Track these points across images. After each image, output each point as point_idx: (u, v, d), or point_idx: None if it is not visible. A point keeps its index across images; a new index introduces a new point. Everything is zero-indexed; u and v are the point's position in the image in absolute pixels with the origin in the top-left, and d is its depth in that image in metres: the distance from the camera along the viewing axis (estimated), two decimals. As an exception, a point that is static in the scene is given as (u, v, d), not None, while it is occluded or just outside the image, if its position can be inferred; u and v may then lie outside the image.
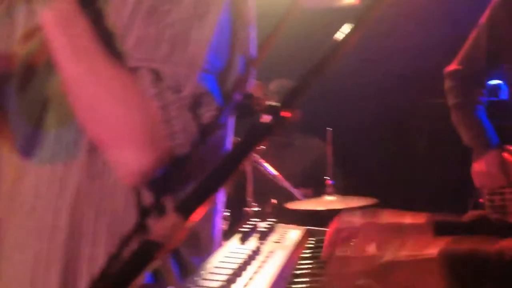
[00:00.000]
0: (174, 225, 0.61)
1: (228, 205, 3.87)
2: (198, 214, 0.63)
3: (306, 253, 1.44)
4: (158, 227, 0.61)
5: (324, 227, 1.72)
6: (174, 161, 1.27)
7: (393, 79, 5.04)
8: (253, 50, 1.45)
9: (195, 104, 1.32)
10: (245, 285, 1.11)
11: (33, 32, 1.46)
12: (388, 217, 1.33)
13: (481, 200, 3.25)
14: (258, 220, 1.56)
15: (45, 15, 1.31)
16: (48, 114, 1.41)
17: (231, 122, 1.44)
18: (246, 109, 0.70)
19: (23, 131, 1.44)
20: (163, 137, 1.29)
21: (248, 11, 1.46)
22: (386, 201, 4.01)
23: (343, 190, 4.04)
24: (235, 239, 1.41)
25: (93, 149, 1.36)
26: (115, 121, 1.29)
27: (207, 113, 1.34)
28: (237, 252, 1.29)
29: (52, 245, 1.37)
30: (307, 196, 4.09)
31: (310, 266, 1.33)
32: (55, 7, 1.31)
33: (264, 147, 3.95)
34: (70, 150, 1.38)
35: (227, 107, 0.74)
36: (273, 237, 1.48)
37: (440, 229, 1.31)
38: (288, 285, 1.21)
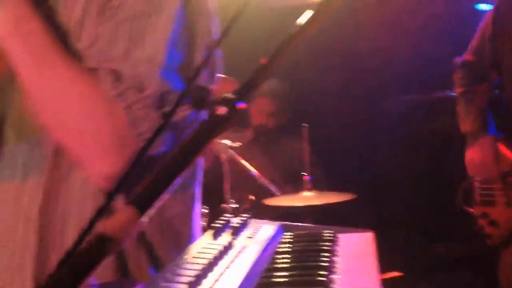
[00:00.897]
0: (128, 219, 0.61)
1: (206, 202, 3.88)
2: (151, 208, 0.62)
3: (284, 247, 1.44)
4: (112, 221, 0.60)
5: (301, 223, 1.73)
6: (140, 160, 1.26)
7: (370, 74, 5.06)
8: (214, 41, 1.43)
9: (160, 102, 1.30)
10: (216, 280, 1.10)
11: None
12: None
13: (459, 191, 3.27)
14: (231, 215, 1.55)
15: None
16: (6, 129, 1.40)
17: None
18: (201, 101, 0.69)
19: None
20: (131, 138, 1.28)
21: (207, 3, 1.44)
22: (365, 197, 4.05)
23: (321, 186, 4.05)
24: (208, 235, 1.41)
25: (57, 153, 1.35)
26: (81, 127, 1.26)
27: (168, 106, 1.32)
28: (209, 248, 1.28)
29: (24, 252, 1.36)
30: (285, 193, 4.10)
31: (288, 260, 1.33)
32: (6, 11, 1.26)
33: (240, 144, 3.96)
34: (33, 159, 1.37)
35: (182, 99, 0.73)
36: (246, 233, 1.47)
37: None
38: (266, 279, 1.20)
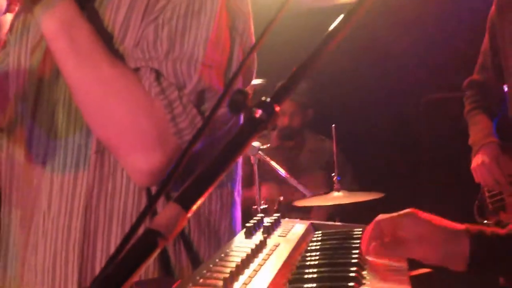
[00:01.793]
0: (175, 215, 0.65)
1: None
2: (197, 205, 0.66)
3: (314, 245, 1.47)
4: (160, 217, 0.65)
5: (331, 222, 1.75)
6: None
7: (399, 73, 5.06)
8: (252, 43, 1.47)
9: (199, 100, 1.34)
10: (251, 277, 1.14)
11: (38, 43, 1.49)
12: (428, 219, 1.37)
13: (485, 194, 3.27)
14: (263, 215, 1.59)
15: (44, 23, 1.32)
16: (58, 122, 1.44)
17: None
18: (239, 103, 0.73)
19: (37, 140, 1.47)
20: (171, 135, 1.31)
21: (246, 4, 1.47)
22: (393, 196, 4.05)
23: (350, 186, 4.07)
24: (241, 234, 1.45)
25: (102, 151, 1.39)
26: (122, 123, 1.30)
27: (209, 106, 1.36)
28: (243, 246, 1.32)
29: (69, 246, 1.40)
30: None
31: (317, 257, 1.36)
32: (54, 14, 1.31)
33: (269, 146, 3.99)
34: (80, 155, 1.41)
35: (221, 102, 0.77)
36: (278, 231, 1.51)
37: (477, 242, 1.35)
38: (298, 276, 1.23)
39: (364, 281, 1.19)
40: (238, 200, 1.61)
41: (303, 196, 3.97)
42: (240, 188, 1.62)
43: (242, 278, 1.12)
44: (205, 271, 1.14)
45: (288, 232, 1.51)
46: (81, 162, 1.41)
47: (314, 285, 1.16)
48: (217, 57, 1.37)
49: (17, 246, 1.48)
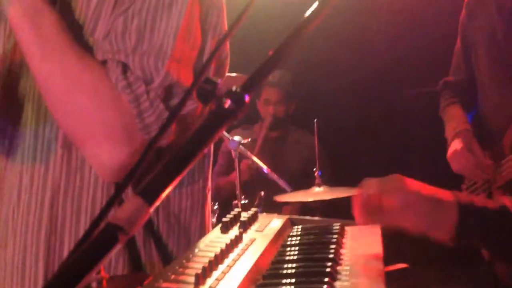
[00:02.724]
0: (137, 209, 0.63)
1: (216, 198, 3.90)
2: (160, 199, 0.64)
3: (290, 240, 1.46)
4: (121, 211, 0.62)
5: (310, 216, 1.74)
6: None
7: (383, 68, 5.06)
8: (221, 35, 1.44)
9: (167, 95, 1.32)
10: (225, 272, 1.12)
11: (10, 32, 1.46)
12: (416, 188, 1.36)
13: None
14: (240, 210, 1.57)
15: (11, 12, 1.29)
16: (27, 113, 1.41)
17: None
18: (207, 93, 0.71)
19: (4, 132, 1.44)
20: (137, 130, 1.29)
21: None
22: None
23: (330, 181, 4.06)
24: (217, 229, 1.43)
25: (69, 146, 1.36)
26: (89, 117, 1.28)
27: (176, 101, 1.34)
28: (218, 241, 1.31)
29: (39, 241, 1.38)
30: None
31: (293, 252, 1.34)
32: (20, 3, 1.28)
33: (250, 140, 3.98)
34: (51, 148, 1.39)
35: (188, 94, 0.74)
36: (255, 226, 1.49)
37: (465, 213, 1.34)
38: (274, 271, 1.22)
39: (339, 276, 1.18)
40: (208, 196, 1.59)
41: (284, 191, 3.96)
42: (210, 184, 1.60)
43: (215, 274, 1.10)
44: (177, 267, 1.12)
45: (265, 227, 1.49)
46: (52, 156, 1.38)
47: (289, 280, 1.14)
48: (187, 50, 1.35)
49: None
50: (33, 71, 1.31)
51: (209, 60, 1.22)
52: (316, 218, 1.81)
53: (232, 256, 1.22)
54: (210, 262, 1.12)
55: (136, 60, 1.30)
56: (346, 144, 5.16)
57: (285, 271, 1.21)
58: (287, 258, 1.30)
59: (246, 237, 1.37)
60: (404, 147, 5.23)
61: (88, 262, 0.59)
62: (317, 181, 3.86)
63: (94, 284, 1.09)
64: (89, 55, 1.31)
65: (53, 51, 1.28)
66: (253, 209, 1.60)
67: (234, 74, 2.40)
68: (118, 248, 0.61)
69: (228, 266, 1.15)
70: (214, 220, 3.58)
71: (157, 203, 0.65)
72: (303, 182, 4.08)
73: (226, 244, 1.24)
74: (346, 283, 1.14)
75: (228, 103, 0.70)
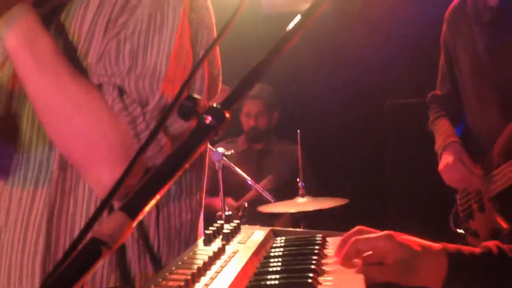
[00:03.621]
0: (121, 223, 0.64)
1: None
2: (143, 213, 0.65)
3: (273, 252, 1.47)
4: (105, 225, 0.63)
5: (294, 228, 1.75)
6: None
7: (363, 78, 5.09)
8: (216, 55, 1.45)
9: (163, 115, 1.33)
10: (208, 284, 1.13)
11: (7, 58, 1.46)
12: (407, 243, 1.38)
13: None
14: (223, 222, 1.58)
15: (6, 38, 1.30)
16: (22, 136, 1.42)
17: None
18: (188, 110, 0.72)
19: (1, 155, 1.45)
20: (134, 151, 1.30)
21: (209, 16, 1.47)
22: (358, 202, 4.07)
23: (314, 192, 4.08)
24: (200, 241, 1.44)
25: (65, 167, 1.37)
26: (89, 138, 1.29)
27: (176, 124, 1.36)
28: (201, 254, 1.31)
29: (23, 261, 1.38)
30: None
31: (276, 264, 1.35)
32: (16, 29, 1.29)
33: (233, 152, 3.99)
34: (41, 170, 1.39)
35: (172, 108, 0.76)
36: (237, 238, 1.50)
37: (454, 263, 1.37)
38: (256, 282, 1.23)
39: (321, 287, 1.19)
40: (202, 209, 1.61)
41: (268, 202, 3.97)
42: (203, 197, 1.62)
43: (198, 286, 1.11)
44: (160, 280, 1.13)
45: (248, 238, 1.50)
46: (42, 177, 1.39)
47: (271, 291, 1.16)
48: (180, 71, 1.37)
49: None
50: (30, 94, 1.32)
51: (191, 76, 1.24)
52: (299, 229, 1.83)
53: (214, 268, 1.23)
54: (192, 274, 1.13)
55: (131, 83, 1.32)
56: (329, 155, 5.18)
57: (268, 282, 1.22)
58: (269, 269, 1.31)
59: (229, 249, 1.38)
60: (386, 157, 5.26)
61: (71, 276, 0.60)
62: (300, 191, 3.88)
63: None
64: (85, 78, 1.32)
65: (50, 74, 1.29)
66: (236, 221, 1.61)
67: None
68: (100, 262, 0.62)
69: (210, 278, 1.16)
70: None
71: (140, 217, 0.66)
72: (288, 193, 4.10)
73: (209, 257, 1.25)
74: (327, 294, 1.16)
75: (208, 119, 0.72)
